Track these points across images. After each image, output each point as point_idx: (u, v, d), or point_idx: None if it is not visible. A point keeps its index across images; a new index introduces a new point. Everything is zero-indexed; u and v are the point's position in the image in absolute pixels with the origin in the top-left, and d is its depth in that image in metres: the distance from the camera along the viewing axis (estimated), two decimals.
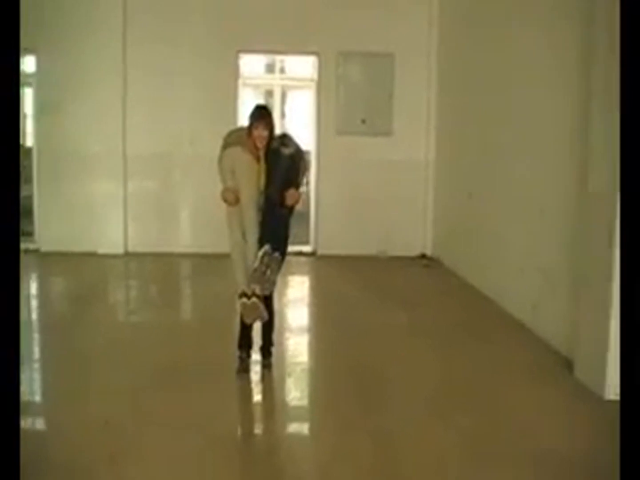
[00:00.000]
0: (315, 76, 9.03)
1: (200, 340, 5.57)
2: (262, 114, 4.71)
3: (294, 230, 4.93)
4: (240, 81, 8.92)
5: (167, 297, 7.28)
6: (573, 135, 5.16)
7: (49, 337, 5.72)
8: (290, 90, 10.34)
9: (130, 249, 8.89)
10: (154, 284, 7.91)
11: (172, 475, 3.45)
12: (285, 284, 7.43)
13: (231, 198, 4.63)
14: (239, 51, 8.76)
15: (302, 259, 9.08)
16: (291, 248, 7.97)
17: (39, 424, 4.16)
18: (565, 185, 5.30)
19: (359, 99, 8.91)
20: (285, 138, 4.77)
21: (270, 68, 10.06)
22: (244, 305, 4.57)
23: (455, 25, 8.32)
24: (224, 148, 4.73)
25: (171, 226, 8.99)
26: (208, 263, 8.31)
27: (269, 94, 10.32)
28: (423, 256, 9.10)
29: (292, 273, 8.10)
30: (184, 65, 8.60)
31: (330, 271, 8.48)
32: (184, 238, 8.95)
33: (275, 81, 9.61)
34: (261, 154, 4.67)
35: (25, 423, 3.85)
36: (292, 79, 9.81)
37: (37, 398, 4.60)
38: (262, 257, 4.45)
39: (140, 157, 8.77)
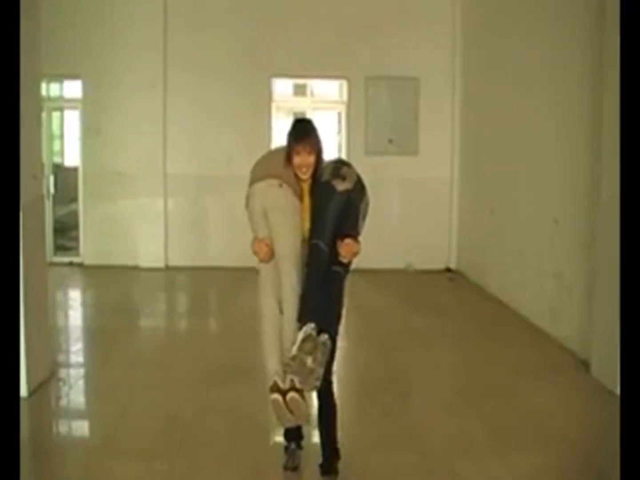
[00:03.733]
0: (345, 98, 9.53)
1: (243, 345, 6.01)
2: (304, 131, 3.55)
3: None
4: (273, 104, 9.42)
5: (209, 307, 7.75)
6: (587, 148, 5.56)
7: (109, 341, 6.16)
8: (318, 112, 10.76)
9: (170, 262, 9.37)
10: (195, 294, 8.39)
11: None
12: None
13: (263, 252, 3.48)
14: (272, 75, 9.26)
15: None
16: None
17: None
18: (581, 196, 5.69)
19: (386, 120, 9.38)
20: (340, 166, 3.57)
21: (299, 91, 10.58)
22: (276, 403, 3.34)
23: (478, 48, 8.76)
24: (253, 182, 3.53)
25: (207, 241, 9.44)
26: (240, 275, 8.78)
27: (301, 116, 10.81)
28: (448, 270, 9.46)
29: None
30: (220, 89, 9.11)
31: (362, 285, 8.88)
32: (218, 252, 9.36)
33: (306, 104, 10.10)
34: (305, 188, 3.54)
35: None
36: (323, 101, 10.28)
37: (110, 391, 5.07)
38: (303, 341, 3.27)
39: (179, 177, 9.27)
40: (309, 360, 3.26)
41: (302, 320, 3.35)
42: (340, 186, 3.48)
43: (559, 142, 6.17)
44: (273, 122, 9.43)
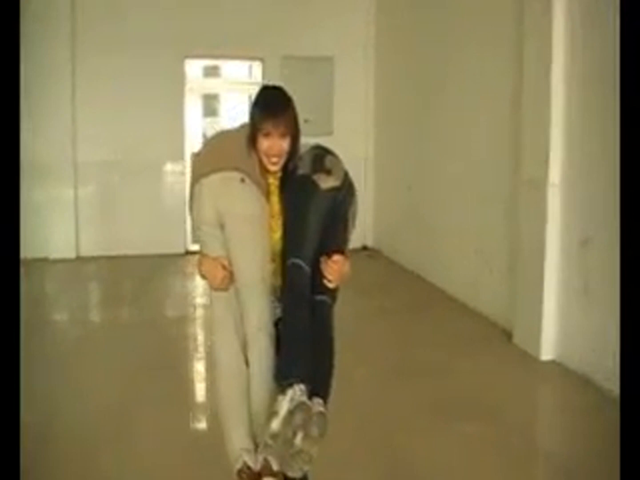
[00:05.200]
0: (260, 79, 9.44)
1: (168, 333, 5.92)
2: (277, 104, 2.62)
3: None
4: (187, 86, 9.22)
5: (125, 296, 7.55)
6: (507, 128, 5.76)
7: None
8: (230, 93, 10.61)
9: (82, 253, 9.03)
10: (110, 284, 8.14)
11: None
12: None
13: (218, 277, 2.60)
14: (185, 57, 9.05)
15: None
16: None
17: None
18: (501, 175, 5.89)
19: (301, 101, 9.31)
20: (323, 155, 2.69)
21: (210, 72, 10.41)
22: None
23: (392, 25, 8.85)
24: (199, 176, 2.63)
25: (120, 229, 9.12)
26: (155, 262, 8.62)
27: (213, 98, 10.65)
28: (364, 248, 9.60)
29: None
30: (132, 72, 8.79)
31: None
32: (132, 240, 9.04)
33: (220, 85, 9.94)
34: (273, 183, 2.65)
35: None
36: (237, 82, 10.15)
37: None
38: (292, 413, 2.31)
39: (90, 164, 8.92)
40: (298, 438, 2.32)
41: (284, 377, 2.37)
42: (325, 183, 2.58)
43: (481, 118, 6.34)
44: (186, 104, 9.24)
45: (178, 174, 9.23)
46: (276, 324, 2.66)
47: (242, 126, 2.75)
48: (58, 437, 3.85)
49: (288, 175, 2.66)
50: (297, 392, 2.33)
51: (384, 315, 6.43)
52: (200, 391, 4.81)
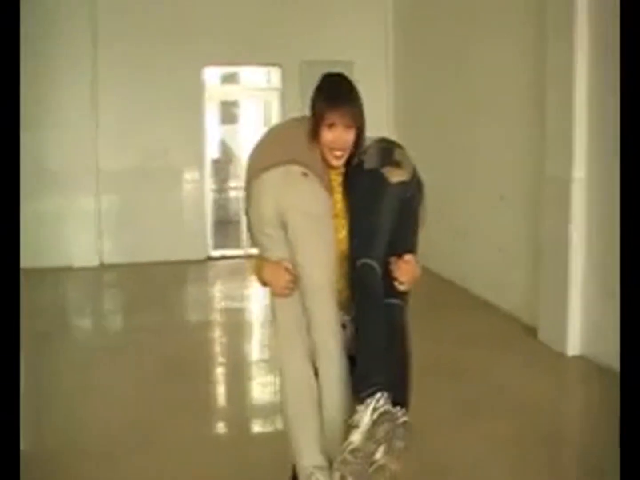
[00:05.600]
0: (278, 85, 9.50)
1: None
2: (342, 91, 2.44)
3: None
4: (206, 94, 9.29)
5: (150, 303, 7.59)
6: (530, 125, 5.74)
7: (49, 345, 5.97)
8: (246, 100, 10.66)
9: (105, 260, 9.11)
10: (133, 291, 8.19)
11: None
12: None
13: (283, 281, 2.40)
14: (204, 64, 9.12)
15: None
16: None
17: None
18: (524, 172, 5.88)
19: None
20: (391, 148, 2.49)
21: (228, 79, 10.50)
22: None
23: (411, 28, 8.89)
24: (255, 173, 2.42)
25: (143, 236, 9.17)
26: (179, 269, 8.68)
27: (231, 105, 10.74)
28: None
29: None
30: (152, 81, 8.90)
31: None
32: (155, 247, 9.10)
33: (239, 92, 10.02)
34: (336, 179, 2.46)
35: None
36: (256, 89, 10.21)
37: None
38: (375, 423, 2.09)
39: (112, 172, 9.00)
40: (380, 452, 2.09)
41: (365, 386, 2.14)
42: (395, 177, 2.37)
43: (503, 115, 6.33)
44: (205, 112, 9.31)
45: (198, 180, 9.30)
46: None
47: (299, 119, 2.55)
48: (82, 445, 3.85)
49: (352, 171, 2.44)
50: (380, 400, 2.11)
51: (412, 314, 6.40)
52: (223, 396, 4.84)
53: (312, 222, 2.36)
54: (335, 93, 2.43)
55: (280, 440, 3.66)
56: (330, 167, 2.44)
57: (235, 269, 8.94)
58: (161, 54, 8.86)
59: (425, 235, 2.65)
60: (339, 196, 2.45)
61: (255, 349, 5.71)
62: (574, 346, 4.97)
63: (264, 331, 6.10)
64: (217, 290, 7.99)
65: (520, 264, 5.95)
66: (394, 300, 2.39)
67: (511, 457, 3.56)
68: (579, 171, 4.92)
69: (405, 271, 2.38)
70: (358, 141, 2.43)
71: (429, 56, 8.18)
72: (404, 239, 2.45)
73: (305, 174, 2.36)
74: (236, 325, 6.42)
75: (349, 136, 2.40)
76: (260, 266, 2.48)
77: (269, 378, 4.81)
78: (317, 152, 2.41)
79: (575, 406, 4.49)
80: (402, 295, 2.42)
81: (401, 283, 2.38)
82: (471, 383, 4.60)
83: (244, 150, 9.89)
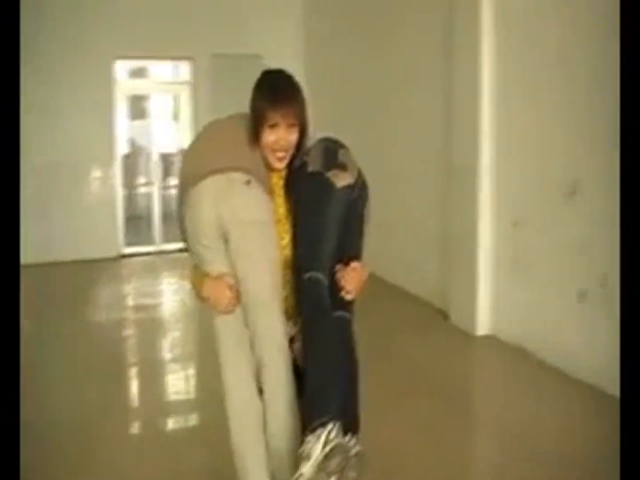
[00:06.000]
0: (188, 79, 9.44)
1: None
2: (285, 89, 2.32)
3: None
4: (117, 88, 9.12)
5: (63, 303, 7.41)
6: (439, 119, 5.96)
7: None
8: (156, 94, 10.53)
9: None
10: (52, 292, 7.97)
11: None
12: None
13: (225, 298, 2.27)
14: (115, 57, 8.94)
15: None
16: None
17: None
18: (434, 162, 6.10)
19: (232, 100, 9.32)
20: (335, 148, 2.37)
21: (137, 74, 10.34)
22: None
23: (321, 25, 8.99)
24: (193, 179, 2.25)
25: (53, 235, 8.88)
26: (93, 267, 8.51)
27: (142, 99, 10.56)
28: None
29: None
30: (64, 74, 8.65)
31: None
32: (66, 246, 8.87)
33: (148, 86, 9.88)
34: (277, 182, 2.36)
35: None
36: (166, 82, 10.11)
37: None
38: (327, 456, 1.96)
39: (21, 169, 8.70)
40: None
41: (316, 415, 2.01)
42: (341, 181, 2.25)
43: (414, 113, 6.53)
44: (116, 106, 9.14)
45: (109, 176, 9.13)
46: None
47: (236, 117, 2.40)
48: None
49: (295, 173, 2.31)
50: (332, 432, 1.97)
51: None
52: (136, 396, 4.81)
53: (255, 232, 2.22)
54: (276, 91, 2.29)
55: (195, 439, 3.74)
56: (271, 169, 2.32)
57: (149, 266, 8.84)
58: (71, 47, 8.62)
59: None
60: (280, 200, 2.33)
61: (171, 345, 5.67)
62: (482, 326, 5.24)
63: (180, 327, 6.13)
64: (131, 288, 7.88)
65: (433, 252, 6.19)
66: (341, 313, 2.24)
67: (434, 433, 3.73)
68: (485, 160, 5.17)
69: (352, 279, 2.26)
70: (301, 141, 2.32)
71: (340, 51, 8.32)
72: (349, 245, 2.33)
73: (248, 182, 2.22)
74: (151, 322, 6.36)
75: (292, 136, 2.28)
76: (199, 281, 2.31)
77: (182, 375, 4.87)
78: (258, 155, 2.29)
79: (487, 382, 4.74)
80: (349, 305, 2.29)
81: (348, 292, 2.25)
82: (389, 367, 4.76)
83: (154, 146, 9.79)
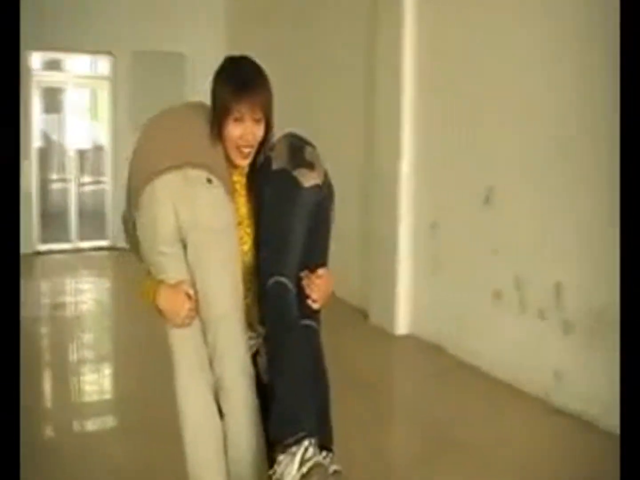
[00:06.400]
0: (107, 74, 9.26)
1: None
2: (251, 77, 2.11)
3: None
4: (33, 80, 8.84)
5: None
6: (361, 125, 6.11)
7: None
8: (72, 88, 10.29)
9: None
10: None
11: None
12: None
13: (184, 310, 2.04)
14: (31, 49, 8.66)
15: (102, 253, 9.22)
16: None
17: None
18: (355, 167, 6.23)
19: (153, 97, 9.24)
20: (302, 146, 2.23)
21: (51, 66, 10.04)
22: None
23: (245, 22, 8.97)
24: (147, 176, 2.02)
25: None
26: None
27: (57, 92, 10.28)
28: None
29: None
30: None
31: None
32: None
33: (65, 79, 9.62)
34: (239, 181, 2.16)
35: None
36: (84, 77, 9.88)
37: None
38: (306, 475, 1.80)
39: None
40: None
41: (289, 433, 1.83)
42: (308, 180, 2.12)
43: (338, 115, 6.59)
44: (31, 99, 8.86)
45: (22, 170, 8.81)
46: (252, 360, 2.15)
47: (192, 106, 2.20)
48: None
49: (259, 171, 2.14)
50: (309, 450, 1.80)
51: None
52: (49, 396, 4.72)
53: (216, 238, 2.01)
54: (242, 80, 2.07)
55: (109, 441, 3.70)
56: (233, 166, 2.12)
57: (65, 263, 8.63)
58: None
59: None
60: (242, 200, 2.13)
61: (87, 344, 5.57)
62: (401, 325, 5.44)
63: (97, 326, 6.09)
64: (47, 286, 7.68)
65: (354, 253, 6.33)
66: (308, 322, 2.08)
67: (358, 426, 3.84)
68: (405, 165, 5.36)
69: (318, 288, 2.12)
70: (266, 136, 2.13)
71: (263, 50, 8.33)
72: (316, 250, 2.19)
73: (209, 180, 2.01)
74: (66, 321, 6.23)
75: (259, 131, 2.09)
76: (153, 290, 2.06)
77: (97, 376, 4.86)
78: (220, 150, 2.08)
79: (406, 378, 4.92)
80: (315, 314, 2.14)
81: (314, 301, 2.10)
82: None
83: (68, 140, 9.55)
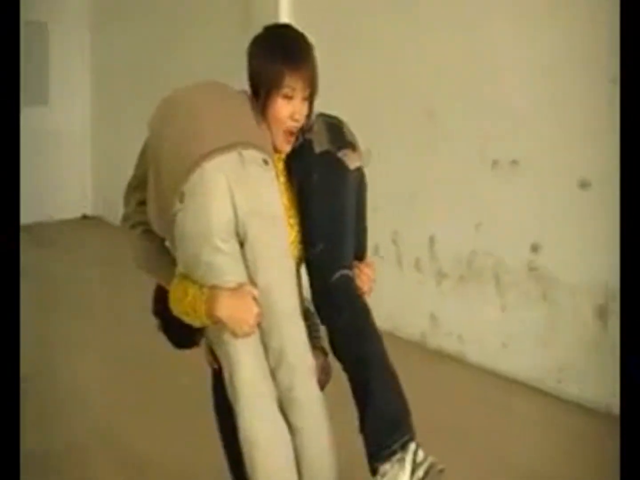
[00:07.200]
0: None
1: None
2: (300, 51, 1.92)
3: None
4: None
5: None
6: None
7: None
8: None
9: None
10: None
11: None
12: None
13: (252, 315, 1.77)
14: None
15: None
16: None
17: None
18: None
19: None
20: (340, 125, 2.05)
21: None
22: None
23: None
24: (194, 164, 1.78)
25: None
26: None
27: None
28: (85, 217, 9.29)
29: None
30: None
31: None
32: None
33: None
34: (278, 165, 1.96)
35: None
36: None
37: None
38: (423, 479, 1.67)
39: None
40: None
41: (389, 436, 1.69)
42: (353, 162, 1.97)
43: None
44: None
45: None
46: None
47: (220, 85, 1.97)
48: None
49: (299, 154, 1.94)
50: (418, 452, 1.67)
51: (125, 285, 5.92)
52: None
53: (276, 227, 1.82)
54: (292, 51, 1.87)
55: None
56: (275, 150, 1.91)
57: None
58: None
59: None
60: (282, 187, 1.91)
61: None
62: None
63: None
64: None
65: None
66: (355, 314, 1.89)
67: None
68: None
69: (368, 277, 2.00)
70: (310, 116, 1.94)
71: (129, 20, 8.07)
72: (360, 237, 2.04)
73: (265, 162, 1.80)
74: None
75: (306, 109, 1.90)
76: (204, 301, 1.75)
77: None
78: (265, 130, 1.86)
79: None
80: (364, 307, 1.95)
81: (364, 294, 1.95)
82: None
83: None
